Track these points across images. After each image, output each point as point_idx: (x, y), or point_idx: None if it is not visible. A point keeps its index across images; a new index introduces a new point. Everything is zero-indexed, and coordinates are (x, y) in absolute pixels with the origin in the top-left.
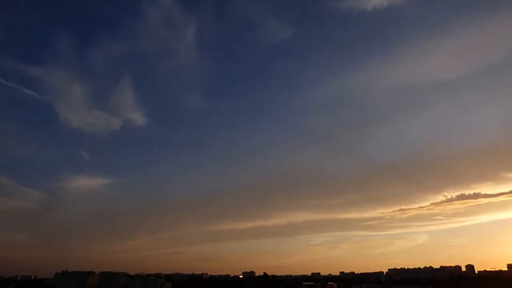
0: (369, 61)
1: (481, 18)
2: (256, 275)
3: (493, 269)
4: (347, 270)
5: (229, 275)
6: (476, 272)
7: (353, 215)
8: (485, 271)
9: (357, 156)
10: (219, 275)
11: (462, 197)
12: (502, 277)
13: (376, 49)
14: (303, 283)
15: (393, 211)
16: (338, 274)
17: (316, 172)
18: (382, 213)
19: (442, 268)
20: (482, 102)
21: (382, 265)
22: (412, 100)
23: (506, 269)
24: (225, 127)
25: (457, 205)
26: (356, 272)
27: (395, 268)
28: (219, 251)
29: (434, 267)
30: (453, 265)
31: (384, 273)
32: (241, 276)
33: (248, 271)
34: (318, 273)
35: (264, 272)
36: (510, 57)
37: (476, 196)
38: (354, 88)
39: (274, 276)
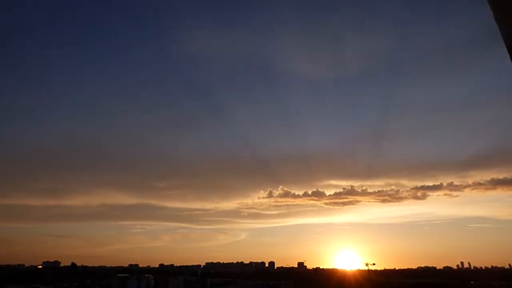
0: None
1: None
2: (62, 265)
3: (288, 266)
4: (167, 262)
5: (23, 265)
6: (275, 267)
7: (178, 204)
8: (282, 267)
9: (197, 140)
10: (8, 265)
11: (270, 194)
12: (293, 272)
13: None
14: (118, 275)
15: (219, 205)
16: (158, 266)
17: (142, 145)
18: (211, 205)
19: (250, 263)
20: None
21: (202, 259)
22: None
23: (297, 266)
24: None
25: (271, 202)
26: (175, 265)
27: (212, 262)
28: (5, 234)
29: (245, 262)
30: (259, 261)
31: (202, 266)
32: (40, 267)
33: (52, 260)
34: (137, 265)
35: (72, 262)
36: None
37: (286, 194)
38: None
39: (84, 267)
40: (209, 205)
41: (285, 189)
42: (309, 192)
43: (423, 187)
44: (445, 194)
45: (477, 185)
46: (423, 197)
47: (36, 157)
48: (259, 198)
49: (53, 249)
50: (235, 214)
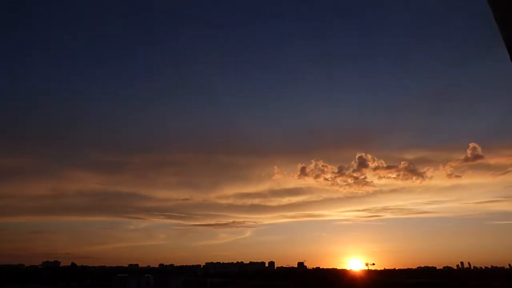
0: None
1: None
2: (62, 265)
3: (288, 266)
4: (167, 262)
5: (23, 265)
6: (276, 267)
7: (165, 193)
8: (282, 267)
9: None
10: (8, 265)
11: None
12: (293, 272)
13: None
14: (118, 275)
15: (214, 194)
16: (157, 266)
17: (111, 115)
18: (204, 195)
19: (251, 263)
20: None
21: (203, 258)
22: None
23: (296, 266)
24: None
25: (271, 186)
26: (175, 265)
27: (212, 262)
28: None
29: (245, 262)
30: (259, 261)
31: (202, 266)
32: (40, 267)
33: (52, 260)
34: (137, 265)
35: (72, 262)
36: None
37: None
38: None
39: (84, 267)
40: (200, 195)
41: (283, 171)
42: (314, 168)
43: (458, 160)
44: (492, 174)
45: None
46: (460, 173)
47: None
48: (256, 186)
49: (54, 247)
50: (232, 208)
